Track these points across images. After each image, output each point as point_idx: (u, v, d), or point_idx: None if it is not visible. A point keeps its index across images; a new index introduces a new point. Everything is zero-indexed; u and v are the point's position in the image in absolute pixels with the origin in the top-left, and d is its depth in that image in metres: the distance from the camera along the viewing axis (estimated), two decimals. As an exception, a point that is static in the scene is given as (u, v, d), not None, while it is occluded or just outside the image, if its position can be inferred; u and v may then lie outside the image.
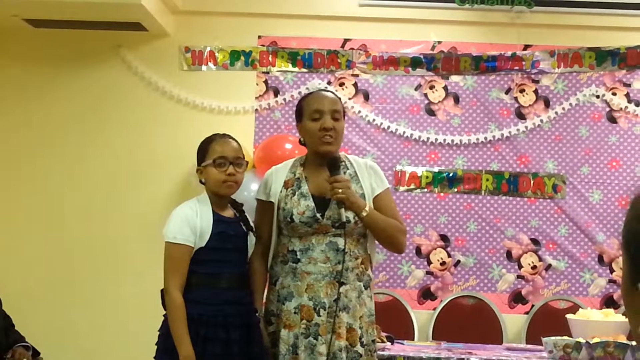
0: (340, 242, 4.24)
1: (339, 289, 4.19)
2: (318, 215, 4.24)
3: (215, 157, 4.21)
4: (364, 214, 4.23)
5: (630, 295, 1.68)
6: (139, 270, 6.86)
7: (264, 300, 4.38)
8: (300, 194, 4.29)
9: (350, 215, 4.23)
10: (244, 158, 4.31)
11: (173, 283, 4.11)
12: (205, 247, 4.14)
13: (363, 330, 4.27)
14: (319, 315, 4.19)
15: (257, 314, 4.27)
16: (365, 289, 4.31)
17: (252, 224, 4.35)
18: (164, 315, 4.19)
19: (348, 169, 4.38)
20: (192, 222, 4.14)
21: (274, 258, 4.35)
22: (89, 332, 6.97)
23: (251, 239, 4.31)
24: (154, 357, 4.23)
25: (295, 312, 4.22)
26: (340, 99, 4.50)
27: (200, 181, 4.32)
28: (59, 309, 6.99)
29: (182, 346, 4.05)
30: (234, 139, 4.32)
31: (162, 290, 4.18)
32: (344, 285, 4.21)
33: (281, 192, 4.34)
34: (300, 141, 4.46)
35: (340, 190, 4.18)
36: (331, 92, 4.62)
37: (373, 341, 4.35)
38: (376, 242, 4.42)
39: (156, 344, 4.23)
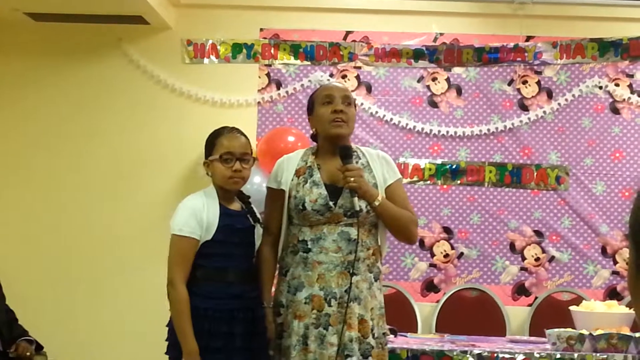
0: (352, 232, 4.23)
1: (351, 280, 4.20)
2: (331, 203, 4.24)
3: (221, 152, 4.20)
4: (377, 203, 4.23)
5: (636, 285, 1.67)
6: (142, 265, 6.86)
7: (273, 291, 4.38)
8: (313, 182, 4.29)
9: (363, 204, 4.23)
10: (251, 154, 4.31)
11: (178, 276, 4.11)
12: (212, 241, 4.14)
13: (374, 323, 4.26)
14: (329, 306, 4.19)
15: (264, 305, 4.27)
16: (376, 281, 4.31)
17: (259, 217, 4.35)
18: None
19: (360, 159, 4.39)
20: (199, 215, 4.14)
21: (284, 249, 4.35)
22: (91, 326, 6.97)
23: (258, 232, 4.31)
24: (166, 353, 4.23)
25: (305, 302, 4.21)
26: (350, 91, 4.54)
27: (208, 173, 4.32)
28: (62, 303, 6.99)
29: (185, 341, 4.05)
30: (242, 133, 4.31)
31: (168, 283, 4.18)
32: (355, 275, 4.21)
33: (293, 180, 4.34)
34: (312, 135, 4.47)
35: (352, 179, 4.19)
36: (341, 84, 4.69)
37: (384, 334, 4.35)
38: (387, 233, 4.42)
39: (166, 340, 4.22)
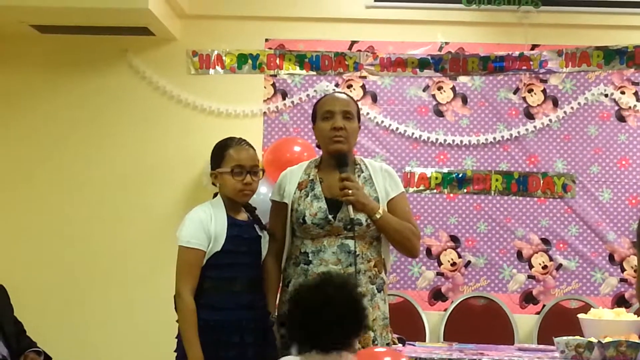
0: (352, 244, 4.24)
1: None
2: (330, 216, 4.25)
3: (232, 165, 4.20)
4: (378, 216, 4.24)
5: None
6: (150, 275, 6.86)
7: (277, 302, 4.39)
8: (314, 196, 4.31)
9: (362, 217, 4.24)
10: (259, 165, 4.32)
11: (186, 288, 4.11)
12: (221, 251, 4.15)
13: (377, 334, 4.27)
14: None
15: (270, 316, 4.27)
16: (379, 291, 4.31)
17: (265, 225, 4.36)
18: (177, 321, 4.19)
19: (363, 172, 4.40)
20: (207, 226, 4.14)
21: (287, 260, 4.38)
22: (99, 336, 6.97)
23: (265, 241, 4.31)
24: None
25: (306, 314, 4.23)
26: (355, 101, 4.52)
27: (214, 184, 4.32)
28: (70, 314, 6.99)
29: (191, 351, 4.06)
30: (249, 144, 4.32)
31: (175, 295, 4.18)
32: (356, 288, 4.22)
33: (295, 193, 4.37)
34: (317, 144, 4.50)
35: (350, 192, 4.19)
36: (345, 94, 4.71)
37: (388, 344, 4.35)
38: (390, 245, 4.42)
39: (175, 351, 4.22)
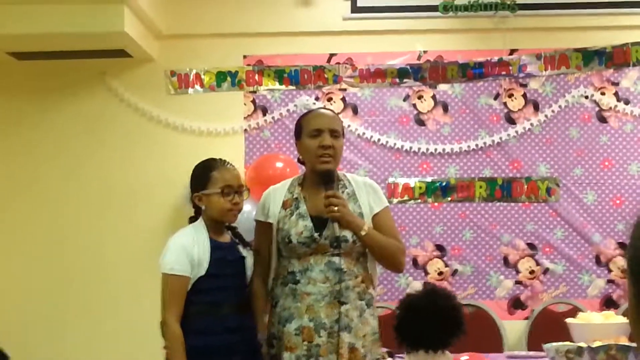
0: (339, 261, 4.23)
1: (340, 309, 4.19)
2: (316, 234, 4.24)
3: (221, 185, 4.19)
4: (363, 233, 4.23)
5: (638, 318, 1.60)
6: (133, 295, 6.85)
7: (266, 322, 4.37)
8: (299, 214, 4.30)
9: (349, 234, 4.23)
10: (244, 185, 4.34)
11: (172, 315, 4.10)
12: (205, 276, 4.12)
13: (367, 350, 4.26)
14: (319, 336, 4.18)
15: (259, 337, 4.25)
16: (368, 307, 4.30)
17: (249, 242, 4.35)
18: (165, 348, 4.17)
19: (346, 187, 4.39)
20: (190, 251, 4.12)
21: (275, 280, 4.36)
22: (85, 357, 6.93)
23: (249, 262, 4.29)
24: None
25: (296, 334, 4.22)
26: (339, 118, 4.52)
27: (194, 205, 4.29)
28: (54, 334, 6.95)
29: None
30: (232, 165, 4.32)
31: (161, 323, 4.16)
32: (344, 305, 4.20)
33: (280, 212, 4.35)
34: (298, 159, 4.47)
35: (335, 209, 4.18)
36: (331, 110, 4.70)
37: (377, 359, 4.35)
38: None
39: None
